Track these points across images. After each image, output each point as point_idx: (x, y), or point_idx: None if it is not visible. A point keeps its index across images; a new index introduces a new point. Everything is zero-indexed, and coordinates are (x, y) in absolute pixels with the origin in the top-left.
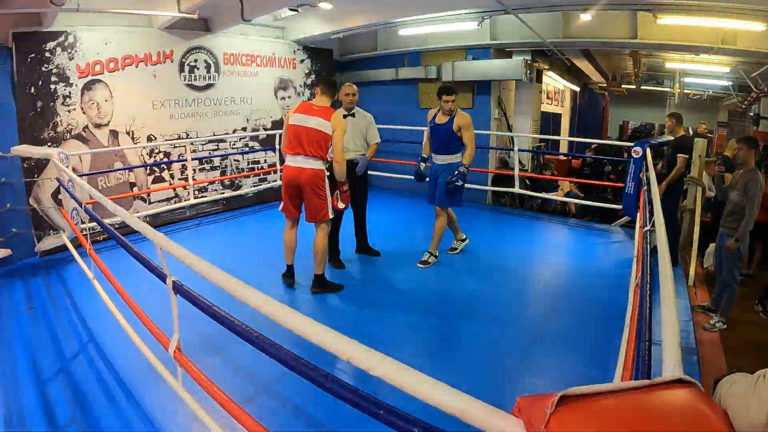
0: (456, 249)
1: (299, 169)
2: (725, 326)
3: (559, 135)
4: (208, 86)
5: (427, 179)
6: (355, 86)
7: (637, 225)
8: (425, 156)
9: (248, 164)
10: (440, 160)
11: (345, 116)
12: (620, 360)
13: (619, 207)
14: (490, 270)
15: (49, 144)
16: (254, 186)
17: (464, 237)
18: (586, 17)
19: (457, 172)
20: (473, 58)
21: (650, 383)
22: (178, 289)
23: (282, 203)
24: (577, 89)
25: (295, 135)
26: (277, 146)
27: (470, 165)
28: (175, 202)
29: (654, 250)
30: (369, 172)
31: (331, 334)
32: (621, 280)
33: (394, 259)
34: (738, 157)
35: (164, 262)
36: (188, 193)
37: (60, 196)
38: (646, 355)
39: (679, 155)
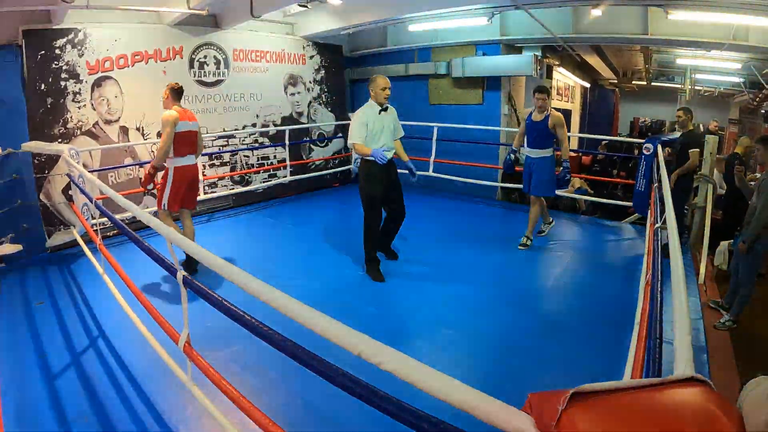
0: (544, 231)
1: (195, 165)
2: (735, 325)
3: (569, 131)
4: (218, 82)
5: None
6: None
7: (648, 222)
8: (515, 149)
9: (258, 160)
10: (534, 153)
11: (380, 112)
12: (630, 357)
13: (630, 204)
14: (499, 265)
15: (59, 140)
16: (264, 182)
17: (551, 220)
18: (596, 12)
19: (562, 168)
20: (483, 54)
21: (662, 381)
22: (188, 283)
23: (168, 202)
24: (588, 85)
25: (187, 139)
26: (165, 149)
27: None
28: None
29: (665, 248)
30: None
31: (343, 328)
32: (631, 278)
33: (405, 254)
34: (757, 158)
35: (174, 256)
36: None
37: (70, 192)
38: (657, 353)
39: (691, 150)
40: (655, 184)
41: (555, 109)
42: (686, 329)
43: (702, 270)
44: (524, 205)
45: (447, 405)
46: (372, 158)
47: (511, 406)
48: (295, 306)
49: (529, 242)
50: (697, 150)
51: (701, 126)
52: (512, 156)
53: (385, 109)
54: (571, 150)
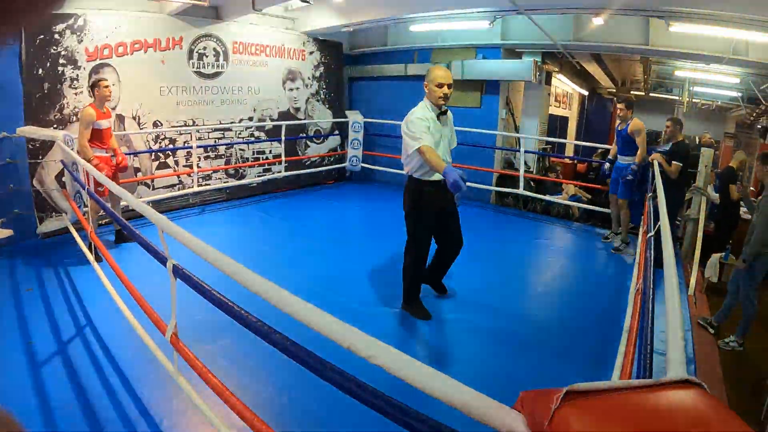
0: (619, 250)
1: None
2: (741, 348)
3: (565, 138)
4: (216, 74)
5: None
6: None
7: (641, 231)
8: (611, 158)
9: (253, 154)
10: (622, 160)
11: (438, 116)
12: (617, 365)
13: None
14: (490, 271)
15: (55, 126)
16: (258, 176)
17: (628, 240)
18: (598, 21)
19: (630, 169)
20: (483, 57)
21: (656, 382)
22: (177, 272)
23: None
24: (586, 93)
25: (106, 135)
26: (86, 143)
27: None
28: (179, 189)
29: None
30: (376, 168)
31: (333, 321)
32: (621, 286)
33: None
34: (756, 175)
35: (165, 244)
36: (192, 180)
37: (64, 179)
38: (648, 360)
39: (673, 162)
40: (649, 194)
41: (557, 116)
42: (679, 332)
43: (692, 282)
44: (517, 210)
45: (437, 402)
46: (436, 179)
47: (503, 405)
48: (287, 297)
49: (623, 246)
50: (679, 165)
51: (697, 138)
52: (607, 165)
53: (444, 113)
54: (566, 157)
